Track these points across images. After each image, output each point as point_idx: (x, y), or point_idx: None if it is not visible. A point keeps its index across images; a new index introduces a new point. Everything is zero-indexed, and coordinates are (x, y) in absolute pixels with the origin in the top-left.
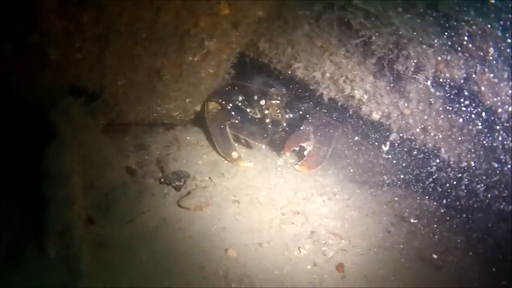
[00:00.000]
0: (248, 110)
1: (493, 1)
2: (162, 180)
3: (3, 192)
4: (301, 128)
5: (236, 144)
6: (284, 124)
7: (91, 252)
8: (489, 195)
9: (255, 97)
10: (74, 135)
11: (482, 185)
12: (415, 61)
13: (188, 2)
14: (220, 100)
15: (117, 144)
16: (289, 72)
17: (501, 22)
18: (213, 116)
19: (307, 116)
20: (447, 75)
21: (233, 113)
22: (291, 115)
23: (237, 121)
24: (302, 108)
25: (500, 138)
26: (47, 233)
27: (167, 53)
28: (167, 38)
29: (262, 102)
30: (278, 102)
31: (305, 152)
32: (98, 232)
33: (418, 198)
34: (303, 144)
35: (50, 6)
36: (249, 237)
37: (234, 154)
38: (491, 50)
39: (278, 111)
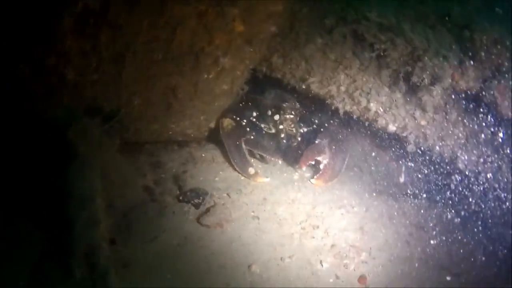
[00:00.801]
0: (262, 125)
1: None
2: (180, 198)
3: (26, 213)
4: (316, 141)
5: (252, 160)
6: (299, 138)
7: (116, 272)
8: (508, 205)
9: (269, 112)
10: (93, 155)
11: (500, 194)
12: (430, 72)
13: (203, 20)
14: (234, 116)
15: (134, 163)
16: (304, 87)
17: None
18: (228, 132)
19: (321, 129)
20: (463, 85)
21: (248, 128)
22: (305, 129)
23: (252, 137)
24: (316, 121)
25: None
26: (73, 254)
27: (183, 71)
28: (183, 56)
29: (276, 117)
30: (292, 116)
31: (321, 166)
32: (121, 252)
33: (435, 207)
34: (319, 158)
35: (66, 27)
36: (271, 253)
37: (251, 170)
38: (506, 58)
39: (293, 125)
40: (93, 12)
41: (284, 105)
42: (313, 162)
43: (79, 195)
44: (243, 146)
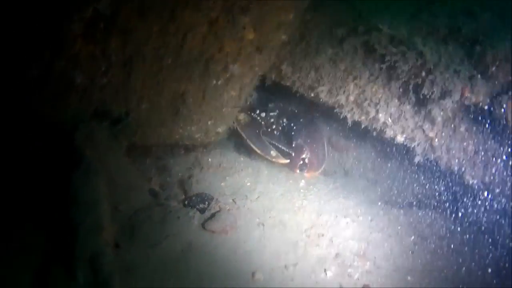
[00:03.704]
0: (262, 122)
1: None
2: (186, 202)
3: (32, 217)
4: (294, 144)
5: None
6: (285, 131)
7: (119, 277)
8: None
9: (257, 111)
10: (99, 159)
11: (506, 207)
12: (440, 86)
13: (214, 27)
14: (249, 112)
15: (140, 167)
16: (312, 96)
17: None
18: (245, 124)
19: (296, 127)
20: (473, 100)
21: (262, 122)
22: (286, 123)
23: (269, 129)
24: (296, 113)
25: None
26: (76, 260)
27: (192, 77)
28: (192, 63)
29: (263, 114)
30: (276, 114)
31: (306, 161)
32: (124, 256)
33: (441, 219)
34: (303, 156)
35: (76, 31)
36: (275, 260)
37: (273, 153)
38: None
39: (274, 116)
40: (103, 17)
41: (269, 105)
42: (301, 162)
43: (84, 200)
44: (261, 136)
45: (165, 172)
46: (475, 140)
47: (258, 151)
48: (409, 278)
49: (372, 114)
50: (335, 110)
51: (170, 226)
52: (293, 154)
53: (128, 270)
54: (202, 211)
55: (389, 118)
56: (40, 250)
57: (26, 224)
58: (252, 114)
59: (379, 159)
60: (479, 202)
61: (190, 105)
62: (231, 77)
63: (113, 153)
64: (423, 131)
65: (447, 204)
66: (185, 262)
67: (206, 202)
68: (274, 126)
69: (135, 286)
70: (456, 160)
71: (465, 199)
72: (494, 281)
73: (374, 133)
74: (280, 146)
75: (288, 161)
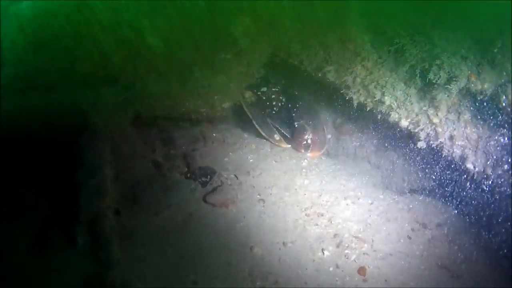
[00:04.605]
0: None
1: None
2: (188, 175)
3: (32, 180)
4: (296, 125)
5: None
6: (284, 106)
7: (118, 243)
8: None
9: (262, 88)
10: (105, 125)
11: (506, 197)
12: (447, 70)
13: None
14: (255, 90)
15: (144, 137)
16: (320, 75)
17: None
18: (252, 103)
19: (298, 108)
20: (479, 87)
21: (267, 102)
22: (286, 99)
23: (273, 111)
24: (295, 93)
25: None
26: (77, 222)
27: (201, 49)
28: (203, 33)
29: (264, 89)
30: (277, 89)
31: (309, 141)
32: (125, 223)
33: (440, 206)
34: (305, 137)
35: None
36: (273, 236)
37: (276, 136)
38: None
39: (277, 97)
40: None
41: (271, 81)
42: (305, 143)
43: (87, 164)
44: (266, 118)
45: (169, 144)
46: (479, 128)
47: (263, 133)
48: (405, 262)
49: (378, 96)
50: (341, 91)
51: (171, 196)
52: (296, 135)
53: (127, 237)
54: (204, 184)
55: (395, 102)
56: (41, 212)
57: (27, 185)
58: (258, 92)
59: (382, 144)
60: (480, 190)
61: (197, 78)
62: (240, 52)
63: (119, 121)
64: (428, 116)
65: (448, 191)
66: (185, 232)
67: (208, 176)
68: (278, 109)
69: (133, 252)
70: (459, 147)
71: (466, 187)
72: (490, 270)
73: (379, 116)
74: (283, 131)
75: (290, 146)
